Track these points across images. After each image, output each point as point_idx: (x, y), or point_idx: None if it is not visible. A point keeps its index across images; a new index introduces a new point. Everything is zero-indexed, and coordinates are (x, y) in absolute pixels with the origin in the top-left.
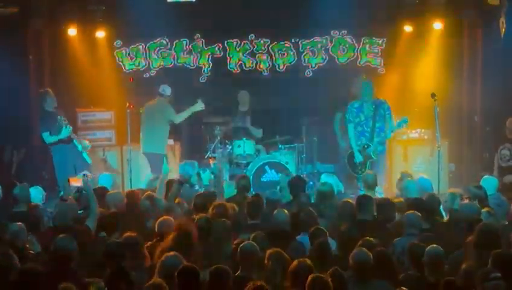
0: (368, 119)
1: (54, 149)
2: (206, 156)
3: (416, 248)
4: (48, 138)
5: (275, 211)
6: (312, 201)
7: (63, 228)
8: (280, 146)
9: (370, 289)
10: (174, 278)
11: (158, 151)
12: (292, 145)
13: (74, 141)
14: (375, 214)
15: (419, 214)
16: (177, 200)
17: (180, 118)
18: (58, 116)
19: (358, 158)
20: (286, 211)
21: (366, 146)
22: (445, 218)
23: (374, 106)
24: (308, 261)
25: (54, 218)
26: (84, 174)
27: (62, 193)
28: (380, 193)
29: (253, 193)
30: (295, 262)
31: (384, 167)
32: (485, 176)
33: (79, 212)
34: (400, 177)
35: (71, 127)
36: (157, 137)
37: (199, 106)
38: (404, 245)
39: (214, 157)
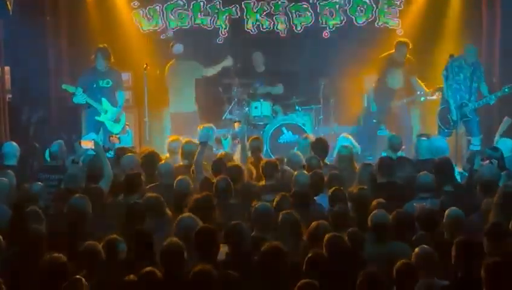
0: (466, 79)
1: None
2: (223, 118)
3: (426, 212)
4: (78, 96)
5: (296, 173)
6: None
7: (74, 190)
8: (297, 107)
9: (388, 250)
10: (190, 239)
11: (186, 110)
12: (309, 107)
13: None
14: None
15: (432, 176)
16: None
17: (212, 71)
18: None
19: (456, 115)
20: (306, 173)
21: (463, 104)
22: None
23: (472, 68)
24: (326, 222)
25: (64, 180)
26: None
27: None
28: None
29: (270, 154)
30: (314, 223)
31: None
32: (501, 138)
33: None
34: (415, 140)
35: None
36: (185, 96)
37: (229, 61)
38: (414, 209)
39: (240, 121)
